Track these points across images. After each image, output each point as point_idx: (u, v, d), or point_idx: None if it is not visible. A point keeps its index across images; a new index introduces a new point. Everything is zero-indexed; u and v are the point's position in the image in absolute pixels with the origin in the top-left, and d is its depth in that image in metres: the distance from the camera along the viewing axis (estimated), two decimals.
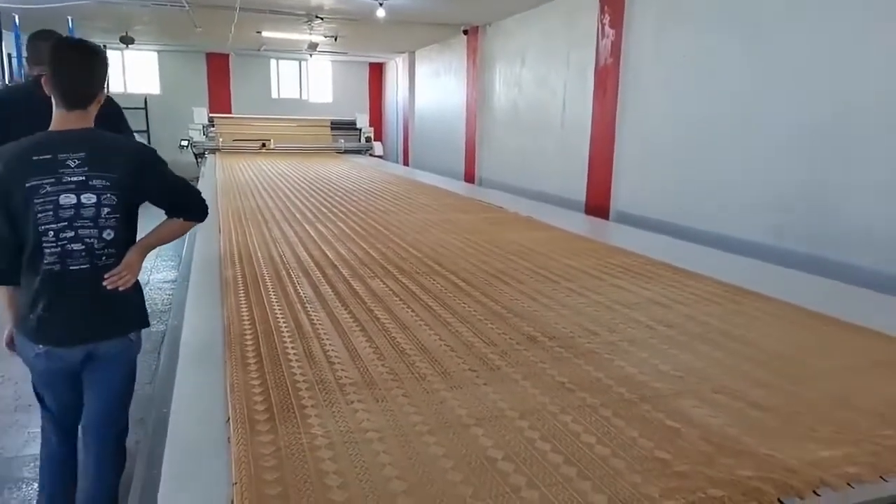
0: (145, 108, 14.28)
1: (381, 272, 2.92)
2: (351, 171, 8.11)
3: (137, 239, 2.12)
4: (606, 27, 5.93)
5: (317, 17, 8.65)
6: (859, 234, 3.76)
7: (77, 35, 8.61)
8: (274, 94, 15.86)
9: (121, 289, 1.99)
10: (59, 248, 1.91)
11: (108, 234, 1.97)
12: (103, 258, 1.97)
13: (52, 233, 1.90)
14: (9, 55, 8.85)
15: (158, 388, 1.73)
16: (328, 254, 3.29)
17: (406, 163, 13.35)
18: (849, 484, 1.23)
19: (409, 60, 13.18)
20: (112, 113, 2.26)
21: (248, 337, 2.02)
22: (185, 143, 10.10)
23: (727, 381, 1.73)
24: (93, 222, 1.94)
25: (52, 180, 1.89)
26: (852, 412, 1.54)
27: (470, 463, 1.30)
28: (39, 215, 1.88)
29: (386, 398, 1.60)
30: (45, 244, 1.90)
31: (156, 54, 14.61)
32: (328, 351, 1.91)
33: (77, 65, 1.98)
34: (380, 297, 2.51)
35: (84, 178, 1.92)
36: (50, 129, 1.98)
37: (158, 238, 2.19)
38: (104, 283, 1.97)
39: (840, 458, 1.32)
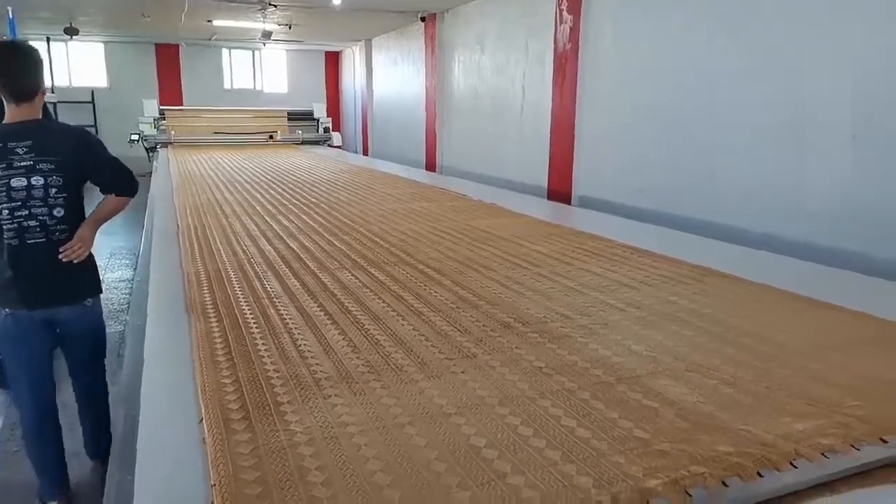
0: (92, 102, 13.79)
1: (350, 264, 2.88)
2: (310, 162, 7.99)
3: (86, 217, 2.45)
4: (564, 13, 5.95)
5: (270, 4, 8.45)
6: (816, 214, 3.88)
7: (18, 26, 8.23)
8: (227, 85, 15.50)
9: (75, 261, 2.33)
10: (15, 225, 2.24)
11: (59, 212, 2.31)
12: (56, 233, 2.31)
13: (6, 212, 2.23)
14: None
15: (124, 390, 1.66)
16: (293, 247, 3.23)
17: (365, 153, 13.22)
18: (823, 454, 1.26)
19: (366, 49, 13.02)
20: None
21: (215, 334, 1.96)
22: (135, 137, 9.78)
23: (699, 359, 1.76)
24: (43, 202, 2.27)
25: (4, 166, 2.22)
26: (822, 386, 1.58)
27: (453, 452, 1.29)
28: None
29: (364, 391, 1.57)
30: (2, 222, 2.23)
31: (102, 46, 14.10)
32: (300, 346, 1.87)
33: (17, 64, 2.29)
34: (350, 289, 2.48)
35: (32, 162, 2.24)
36: (3, 122, 2.32)
37: (101, 214, 2.50)
38: (60, 256, 2.29)
39: (812, 430, 1.35)
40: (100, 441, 2.68)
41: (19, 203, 2.23)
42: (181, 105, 13.35)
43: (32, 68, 2.32)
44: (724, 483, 1.17)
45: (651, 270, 2.77)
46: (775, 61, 4.09)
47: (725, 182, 4.49)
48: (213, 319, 2.09)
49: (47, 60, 11.89)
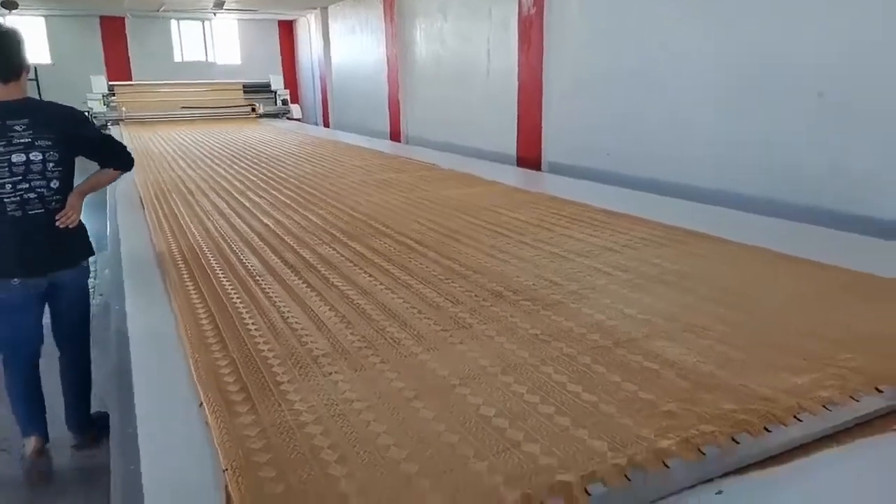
0: (36, 80, 13.10)
1: (328, 238, 2.83)
2: (272, 136, 7.80)
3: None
4: None
5: None
6: (784, 174, 3.95)
7: None
8: (177, 58, 14.91)
9: (71, 226, 2.51)
10: (17, 198, 2.41)
11: (55, 184, 2.48)
12: (52, 203, 2.49)
13: (9, 185, 2.38)
14: None
15: (113, 378, 1.60)
16: (267, 223, 3.15)
17: (326, 124, 12.96)
18: (824, 406, 1.30)
19: (322, 17, 12.65)
20: None
21: (200, 314, 1.91)
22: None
23: (691, 319, 1.79)
24: (41, 175, 2.44)
25: (4, 143, 2.37)
26: (812, 340, 1.62)
27: (464, 423, 1.29)
28: None
29: (364, 366, 1.55)
30: (3, 196, 2.38)
31: (43, 20, 13.38)
32: (291, 322, 1.84)
33: (2, 46, 2.40)
34: (333, 263, 2.43)
35: (30, 139, 2.41)
36: None
37: (92, 184, 2.69)
38: (56, 224, 2.47)
39: (810, 384, 1.39)
40: (81, 412, 2.82)
41: (20, 177, 2.40)
42: (130, 80, 12.81)
43: (16, 48, 2.44)
44: (734, 440, 1.20)
45: (631, 234, 2.80)
46: (741, 24, 4.11)
47: (692, 143, 4.54)
48: (195, 299, 2.03)
49: None
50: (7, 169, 2.38)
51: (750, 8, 4.06)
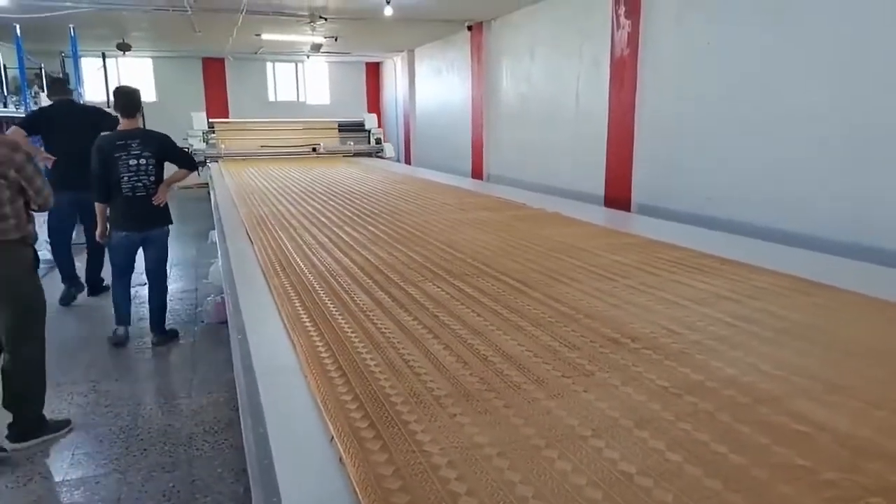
0: (142, 116, 14.09)
1: (431, 275, 2.84)
2: (362, 173, 8.01)
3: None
4: (622, 18, 5.86)
5: (321, 17, 8.54)
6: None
7: (78, 43, 8.50)
8: (271, 97, 15.74)
9: (162, 205, 4.53)
10: (130, 185, 4.37)
11: (152, 178, 4.46)
12: (150, 189, 4.46)
13: (126, 177, 4.36)
14: (4, 66, 8.69)
15: (246, 407, 1.64)
16: (369, 258, 3.20)
17: (408, 162, 13.26)
18: None
19: (409, 59, 13.09)
20: (106, 117, 5.34)
21: (320, 348, 1.93)
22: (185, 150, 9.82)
23: (836, 379, 1.66)
24: (145, 172, 4.41)
25: (125, 153, 4.32)
26: None
27: (604, 479, 1.23)
28: (120, 169, 4.34)
29: (488, 410, 1.52)
30: (122, 183, 4.35)
31: (151, 61, 14.46)
32: (408, 360, 1.83)
33: (129, 95, 4.44)
34: (440, 301, 2.43)
35: (139, 151, 4.35)
36: (119, 129, 4.42)
37: (173, 179, 4.68)
38: (152, 202, 4.46)
39: None
40: (159, 321, 4.68)
41: (132, 173, 4.36)
42: (227, 117, 13.55)
43: (136, 98, 4.46)
44: None
45: (745, 281, 2.67)
46: (849, 63, 3.93)
47: (802, 190, 4.34)
48: (313, 334, 2.06)
49: (103, 75, 12.33)
50: (126, 168, 4.34)
51: (848, 44, 3.88)
